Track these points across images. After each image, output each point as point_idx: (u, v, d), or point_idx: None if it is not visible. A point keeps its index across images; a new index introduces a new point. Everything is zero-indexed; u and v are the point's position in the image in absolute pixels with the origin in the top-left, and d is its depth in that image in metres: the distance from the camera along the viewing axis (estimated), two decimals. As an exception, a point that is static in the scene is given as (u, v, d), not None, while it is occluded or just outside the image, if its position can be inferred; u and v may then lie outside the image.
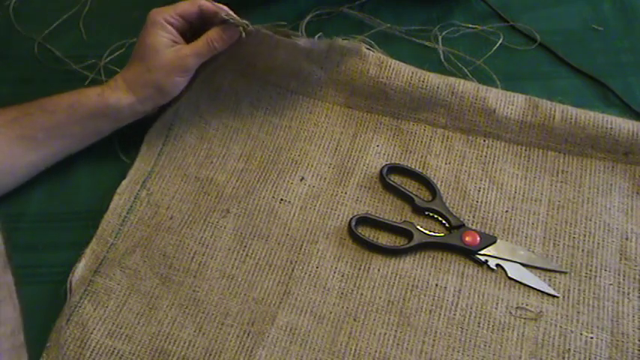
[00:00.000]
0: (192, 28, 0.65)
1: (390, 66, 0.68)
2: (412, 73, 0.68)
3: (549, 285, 0.59)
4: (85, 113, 0.62)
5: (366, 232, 0.62)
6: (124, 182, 0.65)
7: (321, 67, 0.69)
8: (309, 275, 0.60)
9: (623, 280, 0.59)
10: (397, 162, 0.66)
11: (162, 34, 0.62)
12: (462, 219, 0.62)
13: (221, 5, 0.64)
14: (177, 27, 0.64)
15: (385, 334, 0.57)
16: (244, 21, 0.63)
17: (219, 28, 0.63)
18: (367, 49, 0.69)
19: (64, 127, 0.63)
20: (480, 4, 0.80)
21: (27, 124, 0.61)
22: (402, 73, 0.68)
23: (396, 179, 0.65)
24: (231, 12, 0.63)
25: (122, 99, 0.63)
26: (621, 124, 0.65)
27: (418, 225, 0.62)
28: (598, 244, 0.61)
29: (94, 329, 0.57)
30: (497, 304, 0.58)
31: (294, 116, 0.69)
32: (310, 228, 0.62)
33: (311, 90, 0.70)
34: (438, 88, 0.67)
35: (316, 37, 0.70)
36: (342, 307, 0.58)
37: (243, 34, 0.63)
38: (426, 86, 0.67)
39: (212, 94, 0.70)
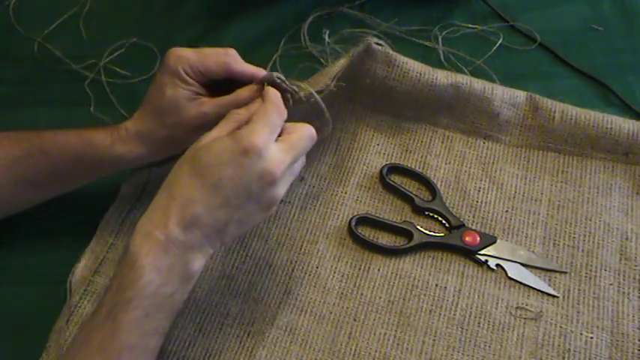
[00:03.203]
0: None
1: (398, 65, 0.65)
2: (420, 73, 0.65)
3: (549, 285, 0.59)
4: (90, 163, 0.58)
5: (366, 232, 0.62)
6: (124, 184, 0.65)
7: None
8: (309, 275, 0.60)
9: (623, 280, 0.59)
10: (397, 162, 0.66)
11: (183, 87, 0.55)
12: (462, 219, 0.62)
13: (254, 68, 0.56)
14: (199, 81, 0.56)
15: (385, 334, 0.57)
16: (293, 87, 0.55)
17: (252, 90, 0.55)
18: (377, 44, 0.67)
19: (67, 173, 0.59)
20: (480, 4, 0.80)
21: (29, 166, 0.57)
22: (409, 74, 0.65)
23: (396, 179, 0.65)
24: (281, 76, 0.55)
25: (133, 152, 0.57)
26: (621, 124, 0.65)
27: (418, 225, 0.62)
28: (598, 244, 0.61)
29: (94, 329, 0.56)
30: (497, 304, 0.58)
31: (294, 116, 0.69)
32: (310, 228, 0.62)
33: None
34: (444, 91, 0.66)
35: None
36: (342, 307, 0.58)
37: (290, 102, 0.55)
38: (433, 89, 0.66)
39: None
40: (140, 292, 0.45)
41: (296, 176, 0.52)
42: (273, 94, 0.52)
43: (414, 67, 0.66)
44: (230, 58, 0.56)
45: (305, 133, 0.51)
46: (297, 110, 0.56)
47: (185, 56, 0.55)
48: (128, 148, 0.57)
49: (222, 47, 0.57)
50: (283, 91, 0.54)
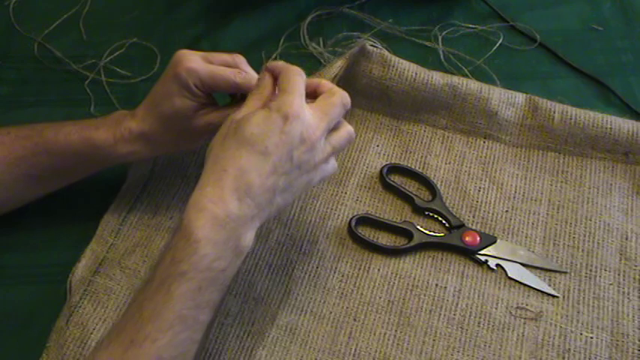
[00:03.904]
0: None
1: (393, 66, 0.67)
2: (416, 73, 0.67)
3: (549, 285, 0.59)
4: (93, 161, 0.59)
5: (366, 232, 0.62)
6: (124, 185, 0.65)
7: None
8: (309, 275, 0.60)
9: (623, 280, 0.59)
10: (397, 162, 0.66)
11: (191, 99, 0.56)
12: (462, 219, 0.62)
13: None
14: (207, 92, 0.57)
15: (385, 334, 0.57)
16: None
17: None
18: (372, 45, 0.68)
19: (71, 169, 0.60)
20: (480, 4, 0.80)
21: (33, 164, 0.58)
22: (405, 74, 0.66)
23: (396, 179, 0.65)
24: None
25: (136, 152, 0.58)
26: (621, 124, 0.65)
27: (418, 225, 0.62)
28: (598, 244, 0.61)
29: (94, 329, 0.56)
30: (497, 304, 0.58)
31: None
32: (310, 228, 0.62)
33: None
34: (441, 90, 0.67)
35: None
36: (342, 307, 0.58)
37: None
38: (429, 89, 0.67)
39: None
40: (195, 265, 0.46)
41: (339, 150, 0.53)
42: (284, 66, 0.53)
43: (409, 67, 0.67)
44: (240, 78, 0.56)
45: (336, 99, 0.52)
46: None
47: (196, 69, 0.55)
48: (132, 149, 0.58)
49: (230, 53, 0.58)
50: None
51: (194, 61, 0.55)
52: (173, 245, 0.47)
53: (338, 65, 0.64)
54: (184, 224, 0.47)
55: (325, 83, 0.54)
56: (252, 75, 0.56)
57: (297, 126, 0.48)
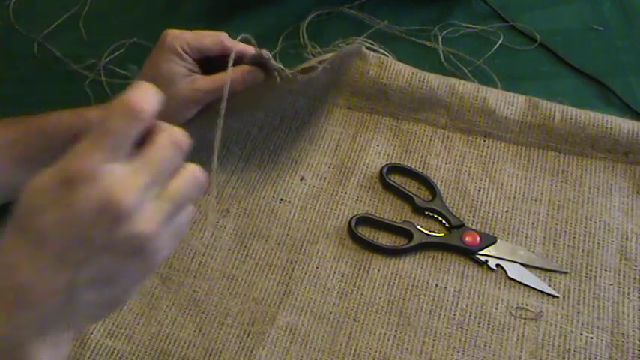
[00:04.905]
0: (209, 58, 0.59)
1: (390, 67, 0.68)
2: (412, 73, 0.68)
3: (549, 285, 0.59)
4: None
5: (366, 232, 0.62)
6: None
7: (324, 67, 0.69)
8: (309, 275, 0.60)
9: (623, 280, 0.59)
10: (397, 162, 0.66)
11: (178, 62, 0.57)
12: (462, 219, 0.62)
13: (246, 46, 0.58)
14: (195, 57, 0.58)
15: (385, 334, 0.57)
16: (280, 65, 0.58)
17: (244, 69, 0.58)
18: (368, 48, 0.69)
19: (65, 150, 0.59)
20: (480, 4, 0.80)
21: (27, 145, 0.58)
22: (402, 73, 0.68)
23: (396, 179, 0.65)
24: (269, 53, 0.57)
25: None
26: (621, 124, 0.65)
27: (418, 225, 0.62)
28: (598, 244, 0.61)
29: (94, 329, 0.56)
30: (497, 304, 0.58)
31: (294, 117, 0.69)
32: (310, 228, 0.62)
33: (311, 91, 0.70)
34: (438, 88, 0.67)
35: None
36: (342, 307, 0.58)
37: (278, 80, 0.58)
38: (426, 87, 0.67)
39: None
40: None
41: (184, 202, 0.37)
42: (121, 105, 0.35)
43: (405, 68, 0.68)
44: (224, 36, 0.58)
45: (162, 138, 0.36)
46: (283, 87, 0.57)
47: (182, 34, 0.57)
48: None
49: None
50: (270, 69, 0.56)
51: (179, 30, 0.58)
52: None
53: (328, 55, 0.65)
54: None
55: (158, 124, 0.37)
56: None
57: (89, 193, 0.33)
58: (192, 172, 0.37)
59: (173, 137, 0.36)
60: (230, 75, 0.53)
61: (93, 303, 0.36)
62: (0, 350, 0.34)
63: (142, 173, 0.35)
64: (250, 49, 0.59)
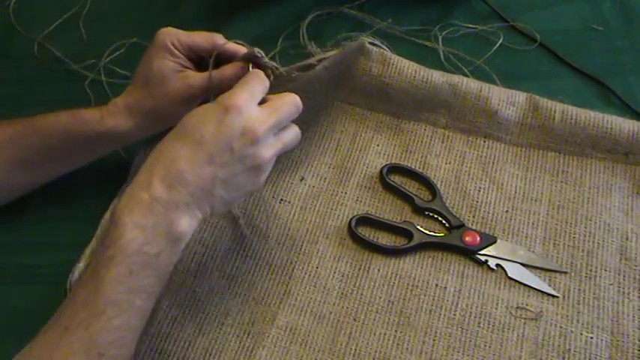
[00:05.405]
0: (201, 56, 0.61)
1: (393, 64, 0.67)
2: (415, 71, 0.67)
3: (549, 285, 0.59)
4: (81, 139, 0.60)
5: (366, 232, 0.62)
6: (124, 185, 0.65)
7: (325, 66, 0.69)
8: (309, 275, 0.60)
9: (623, 280, 0.59)
10: (397, 162, 0.66)
11: (170, 59, 0.58)
12: (462, 219, 0.62)
13: (239, 44, 0.59)
14: (187, 55, 0.59)
15: (385, 334, 0.57)
16: (273, 63, 0.58)
17: (236, 67, 0.58)
18: (370, 44, 0.68)
19: (60, 150, 0.60)
20: (480, 4, 0.80)
21: (23, 146, 0.59)
22: (405, 72, 0.67)
23: (396, 179, 0.65)
24: (262, 52, 0.57)
25: (121, 125, 0.59)
26: (621, 124, 0.65)
27: (418, 225, 0.62)
28: (598, 244, 0.61)
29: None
30: (497, 304, 0.58)
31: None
32: (310, 228, 0.62)
33: (312, 90, 0.70)
34: (440, 88, 0.67)
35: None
36: (342, 307, 0.58)
37: (272, 78, 0.57)
38: (429, 86, 0.67)
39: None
40: (122, 249, 0.45)
41: (288, 147, 0.53)
42: (254, 70, 0.55)
43: (408, 65, 0.67)
44: (217, 35, 0.59)
45: (288, 99, 0.53)
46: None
47: (174, 31, 0.59)
48: (116, 121, 0.59)
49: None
50: (264, 67, 0.57)
51: (172, 28, 0.59)
52: (104, 233, 0.47)
53: (330, 53, 0.64)
54: (115, 211, 0.47)
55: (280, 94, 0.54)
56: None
57: (237, 118, 0.48)
58: (295, 130, 0.54)
59: (295, 99, 0.53)
60: (212, 69, 0.57)
61: (220, 198, 0.50)
62: (158, 212, 0.46)
63: (272, 115, 0.51)
64: (242, 48, 0.59)
